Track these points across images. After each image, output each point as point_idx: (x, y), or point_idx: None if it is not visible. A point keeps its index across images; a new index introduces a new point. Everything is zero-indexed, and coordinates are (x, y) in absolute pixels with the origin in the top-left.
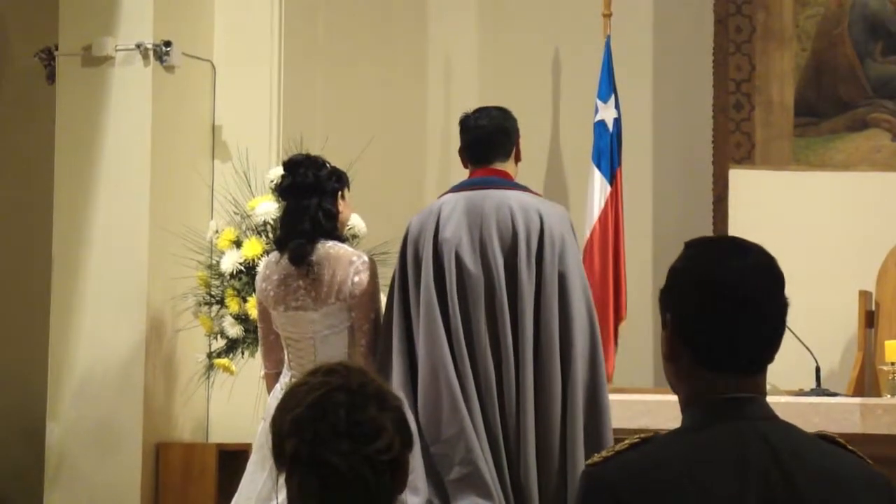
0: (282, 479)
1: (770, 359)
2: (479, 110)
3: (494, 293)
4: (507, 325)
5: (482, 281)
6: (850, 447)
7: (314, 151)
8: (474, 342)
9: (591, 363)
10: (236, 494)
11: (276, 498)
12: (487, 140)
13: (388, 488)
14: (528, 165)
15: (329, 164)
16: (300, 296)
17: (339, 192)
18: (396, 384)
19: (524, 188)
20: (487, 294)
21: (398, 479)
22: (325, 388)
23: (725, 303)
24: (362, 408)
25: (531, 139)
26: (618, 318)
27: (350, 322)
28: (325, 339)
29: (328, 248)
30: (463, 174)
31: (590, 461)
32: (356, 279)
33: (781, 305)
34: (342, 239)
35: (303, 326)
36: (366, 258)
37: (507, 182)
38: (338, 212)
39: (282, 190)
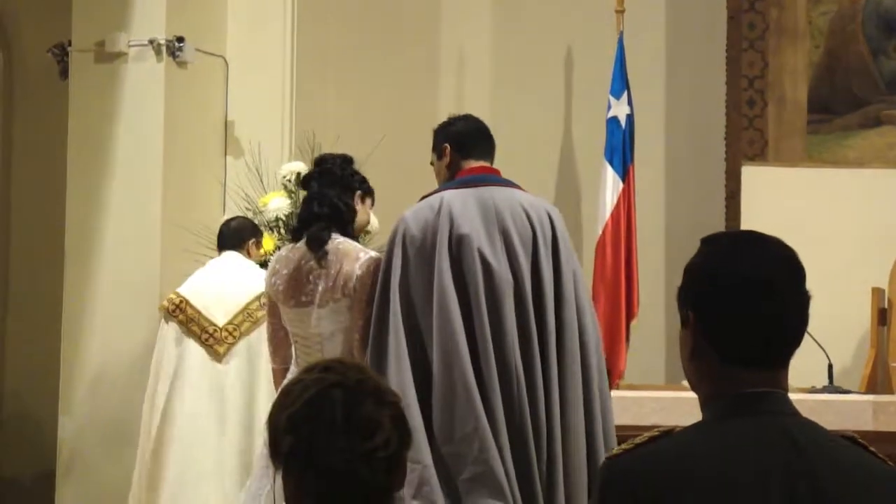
0: (279, 477)
1: (792, 353)
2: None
3: (521, 290)
4: (532, 322)
5: (508, 278)
6: (871, 448)
7: (326, 148)
8: (502, 339)
9: (600, 359)
10: (244, 489)
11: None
12: (486, 134)
13: (385, 486)
14: (541, 162)
15: (343, 160)
16: (309, 290)
17: (359, 193)
18: (394, 384)
19: (518, 186)
20: (515, 291)
21: (396, 476)
22: (322, 385)
23: (747, 297)
24: (359, 404)
25: (544, 136)
26: (630, 316)
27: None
28: (332, 337)
29: (338, 243)
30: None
31: (610, 453)
32: (359, 274)
33: (803, 298)
34: (355, 238)
35: (310, 323)
36: (372, 255)
37: (506, 180)
38: (355, 211)
39: (306, 177)
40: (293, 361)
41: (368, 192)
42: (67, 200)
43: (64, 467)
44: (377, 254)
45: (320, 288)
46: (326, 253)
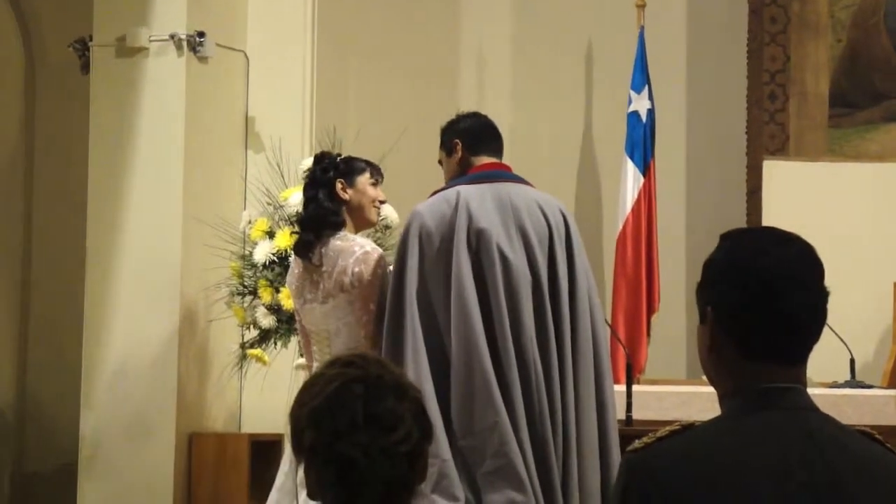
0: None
1: (810, 348)
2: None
3: (539, 288)
4: (549, 317)
5: (527, 275)
6: (888, 444)
7: (346, 142)
8: (521, 334)
9: (607, 354)
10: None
11: (298, 495)
12: (496, 131)
13: (406, 480)
14: (562, 157)
15: (333, 156)
16: (313, 288)
17: (335, 182)
18: (412, 378)
19: (530, 183)
20: (533, 288)
21: (417, 470)
22: (343, 380)
23: (767, 293)
24: (380, 399)
25: (564, 130)
26: (651, 310)
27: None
28: (337, 332)
29: (337, 240)
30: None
31: (630, 447)
32: (356, 269)
33: (822, 294)
34: (367, 224)
35: (316, 320)
36: (368, 248)
37: (518, 176)
38: (340, 201)
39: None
40: (313, 357)
41: (348, 172)
42: (89, 195)
43: (86, 461)
44: (376, 248)
45: (321, 286)
46: (311, 257)
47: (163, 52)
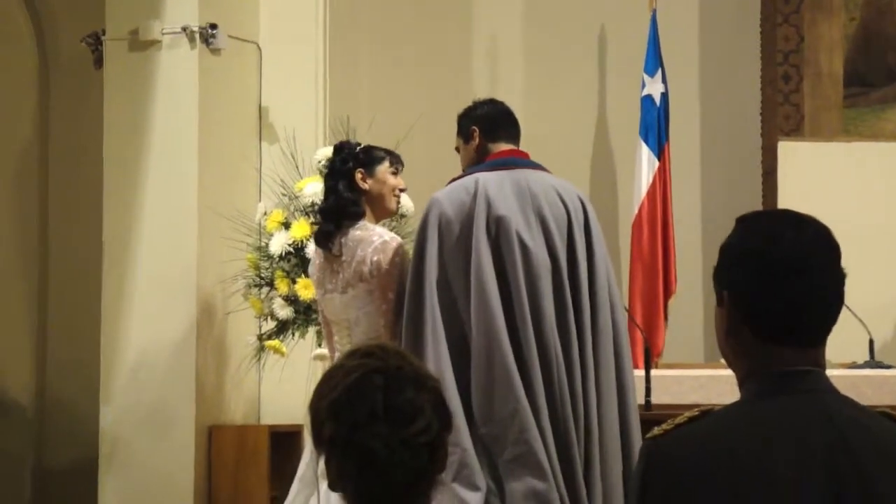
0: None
1: (829, 331)
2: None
3: (559, 275)
4: (570, 304)
5: (546, 262)
6: None
7: (360, 131)
8: (541, 321)
9: (627, 341)
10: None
11: (319, 485)
12: (513, 118)
13: (427, 470)
14: (576, 141)
15: (353, 145)
16: (334, 278)
17: (355, 172)
18: (432, 367)
19: (548, 169)
20: (553, 276)
21: (437, 460)
22: (362, 371)
23: (784, 276)
24: (400, 390)
25: (578, 115)
26: (667, 294)
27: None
28: (357, 322)
29: (357, 229)
30: None
31: (649, 434)
32: (374, 259)
33: (839, 277)
34: (388, 213)
35: (337, 309)
36: (387, 238)
37: (536, 163)
38: (359, 191)
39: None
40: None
41: (367, 162)
42: (104, 190)
43: (106, 456)
44: (396, 237)
45: (341, 276)
46: (339, 246)
47: (175, 44)
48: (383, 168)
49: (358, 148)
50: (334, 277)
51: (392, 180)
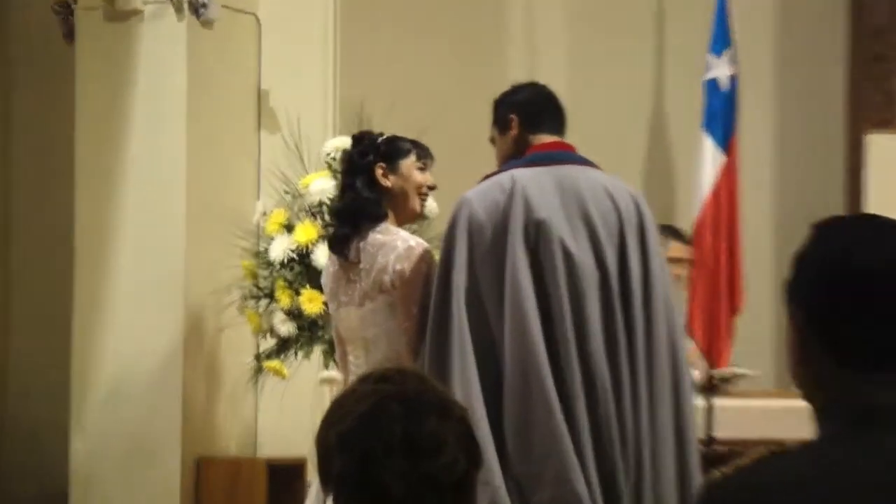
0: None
1: None
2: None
3: (608, 287)
4: (620, 322)
5: (595, 273)
6: None
7: (377, 119)
8: (587, 342)
9: (687, 364)
10: None
11: None
12: (557, 105)
13: None
14: (628, 132)
15: (374, 135)
16: (350, 289)
17: (375, 167)
18: (459, 395)
19: (597, 165)
20: (601, 288)
21: (464, 501)
22: (377, 398)
23: (869, 292)
24: (421, 419)
25: (631, 101)
26: (733, 310)
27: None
28: (376, 340)
29: (377, 233)
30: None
31: (710, 477)
32: (397, 267)
33: None
34: (412, 216)
35: (353, 325)
36: (412, 243)
37: (583, 158)
38: (381, 189)
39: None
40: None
41: (390, 155)
42: (76, 184)
43: (78, 492)
44: (422, 242)
45: (359, 286)
46: (357, 251)
47: (159, 15)
48: (409, 162)
49: (380, 139)
50: (350, 288)
51: (419, 177)
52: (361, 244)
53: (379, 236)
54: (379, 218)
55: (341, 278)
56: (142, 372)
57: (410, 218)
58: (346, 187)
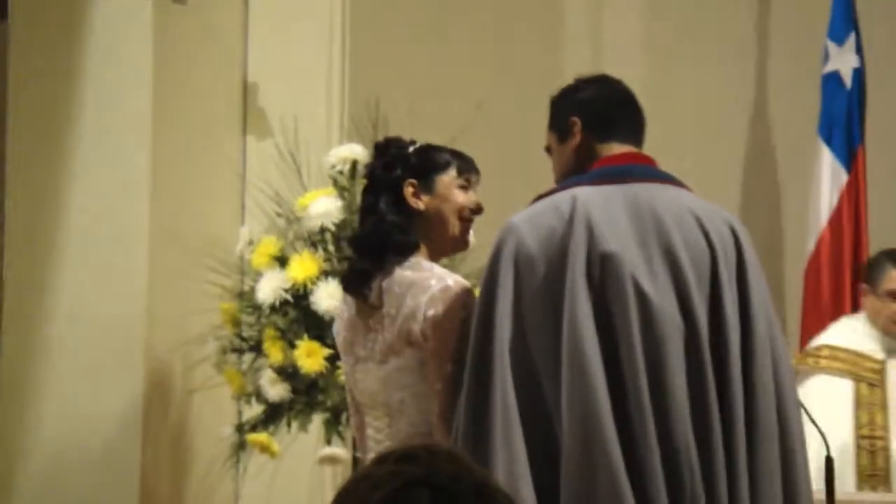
0: None
1: None
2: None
3: (696, 339)
4: (712, 385)
5: (677, 320)
6: None
7: (393, 124)
8: (668, 410)
9: (803, 442)
10: None
11: None
12: (634, 106)
13: None
14: (719, 142)
15: (403, 143)
16: (370, 340)
17: (404, 185)
18: (503, 476)
19: (685, 185)
20: (687, 339)
21: None
22: (399, 483)
23: None
24: None
25: (724, 103)
26: None
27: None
28: (401, 406)
29: (405, 269)
30: None
31: None
32: (430, 312)
33: None
34: (449, 246)
35: (372, 387)
36: (450, 282)
37: (666, 174)
38: (411, 212)
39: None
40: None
41: (423, 170)
42: (7, 200)
43: None
44: (461, 281)
45: (381, 337)
46: (379, 292)
47: None
48: (447, 178)
49: (410, 148)
50: (370, 340)
51: (460, 196)
52: (385, 283)
53: (408, 273)
54: (408, 249)
55: (359, 327)
56: (89, 446)
57: (449, 249)
58: (366, 209)
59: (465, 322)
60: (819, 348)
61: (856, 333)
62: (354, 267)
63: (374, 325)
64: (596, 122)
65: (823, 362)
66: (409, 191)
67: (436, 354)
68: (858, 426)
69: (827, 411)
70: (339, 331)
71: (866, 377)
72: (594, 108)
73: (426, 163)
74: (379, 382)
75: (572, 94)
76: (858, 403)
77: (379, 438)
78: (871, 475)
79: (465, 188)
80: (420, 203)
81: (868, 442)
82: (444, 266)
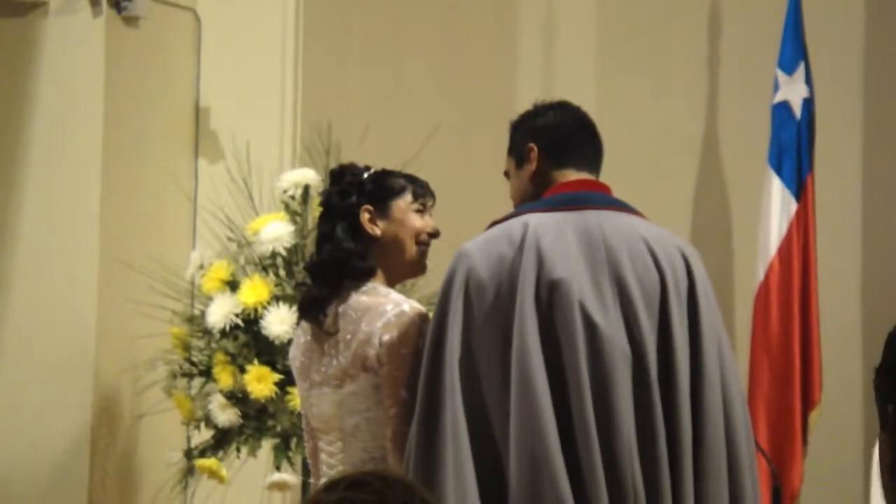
0: None
1: None
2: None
3: (643, 366)
4: (659, 415)
5: (625, 349)
6: None
7: (347, 146)
8: (614, 440)
9: (755, 476)
10: None
11: None
12: (591, 133)
13: None
14: (669, 170)
15: (358, 171)
16: (324, 365)
17: (360, 210)
18: (452, 498)
19: (638, 211)
20: (634, 366)
21: None
22: None
23: None
24: None
25: (674, 130)
26: (808, 405)
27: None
28: (355, 431)
29: (360, 294)
30: None
31: None
32: (385, 338)
33: None
34: (407, 270)
35: (326, 413)
36: (406, 307)
37: (619, 201)
38: (367, 238)
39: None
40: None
41: (378, 195)
42: None
43: None
44: (417, 306)
45: (336, 362)
46: (335, 318)
47: (69, 8)
48: (403, 203)
49: (365, 174)
50: (326, 365)
51: (416, 221)
52: (341, 308)
53: (364, 298)
54: (365, 274)
55: (315, 351)
56: (36, 474)
57: (406, 273)
58: (322, 237)
59: (419, 348)
60: None
61: None
62: (310, 293)
63: (330, 350)
64: (552, 149)
65: None
66: (365, 217)
67: (390, 379)
68: None
69: None
70: (295, 356)
71: None
72: (551, 134)
73: (381, 188)
74: (334, 407)
75: (530, 120)
76: None
77: (332, 463)
78: None
79: (420, 212)
80: (376, 229)
81: None
82: (398, 292)
